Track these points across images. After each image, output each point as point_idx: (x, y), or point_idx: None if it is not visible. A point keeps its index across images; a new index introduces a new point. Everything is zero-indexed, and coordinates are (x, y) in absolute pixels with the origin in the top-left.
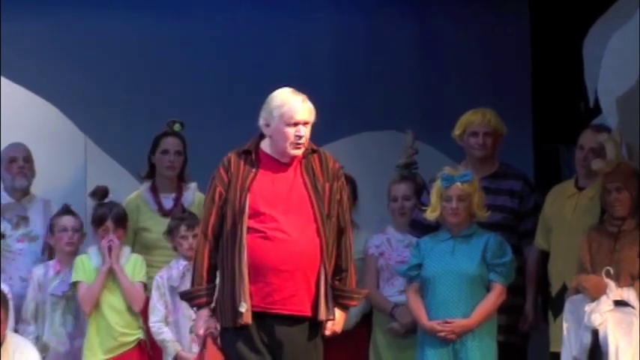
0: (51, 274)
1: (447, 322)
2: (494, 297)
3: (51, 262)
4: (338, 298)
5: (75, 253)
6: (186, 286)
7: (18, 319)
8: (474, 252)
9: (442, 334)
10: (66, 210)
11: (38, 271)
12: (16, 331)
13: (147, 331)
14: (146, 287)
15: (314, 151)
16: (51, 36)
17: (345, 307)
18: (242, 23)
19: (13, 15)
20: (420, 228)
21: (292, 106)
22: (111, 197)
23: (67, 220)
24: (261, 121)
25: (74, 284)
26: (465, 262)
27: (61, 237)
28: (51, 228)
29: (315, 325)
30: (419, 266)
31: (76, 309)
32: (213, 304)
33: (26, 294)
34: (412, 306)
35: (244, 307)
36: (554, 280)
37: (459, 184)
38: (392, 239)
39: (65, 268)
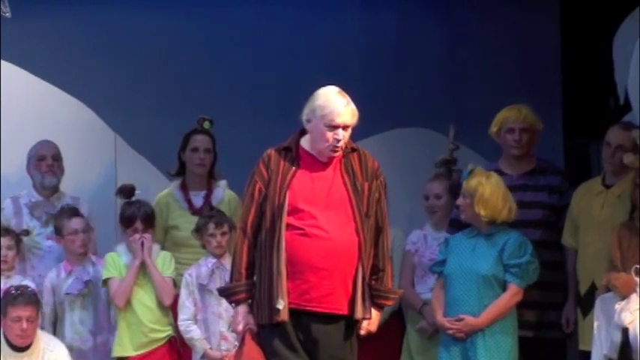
0: (63, 275)
1: (458, 320)
2: (508, 297)
3: (61, 264)
4: (374, 298)
5: (86, 253)
6: (216, 284)
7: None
8: (492, 251)
9: (450, 331)
10: (73, 212)
11: (51, 274)
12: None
13: (177, 328)
14: (175, 283)
15: (353, 150)
16: (82, 35)
17: (380, 307)
18: (272, 21)
19: (45, 13)
20: (458, 227)
21: (335, 109)
22: (140, 195)
23: (77, 223)
24: (304, 116)
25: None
26: (480, 261)
27: (74, 240)
28: (58, 230)
29: (351, 323)
30: (444, 262)
31: (94, 305)
32: (251, 300)
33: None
34: (433, 302)
35: (281, 305)
36: (582, 278)
37: (465, 181)
38: (428, 236)
39: (77, 267)
